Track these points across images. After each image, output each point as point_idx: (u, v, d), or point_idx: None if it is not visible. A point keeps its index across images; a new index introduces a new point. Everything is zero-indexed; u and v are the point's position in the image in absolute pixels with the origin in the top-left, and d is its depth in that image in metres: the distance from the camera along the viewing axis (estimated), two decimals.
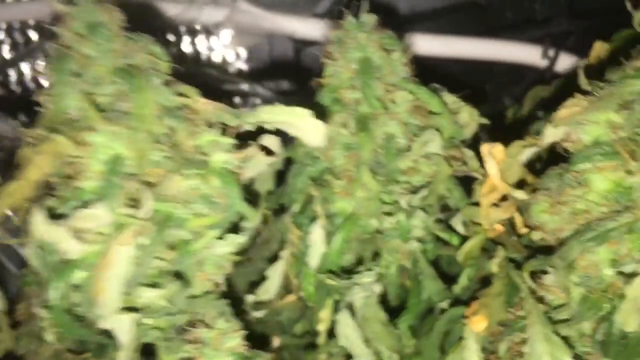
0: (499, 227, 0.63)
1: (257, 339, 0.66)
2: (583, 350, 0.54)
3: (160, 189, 0.48)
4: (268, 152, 0.58)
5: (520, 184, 0.63)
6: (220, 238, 0.54)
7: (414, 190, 0.61)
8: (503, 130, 0.80)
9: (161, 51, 0.52)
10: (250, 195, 0.61)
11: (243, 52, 1.13)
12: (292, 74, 1.04)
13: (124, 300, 0.50)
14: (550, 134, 0.53)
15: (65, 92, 0.48)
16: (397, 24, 0.99)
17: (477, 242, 0.62)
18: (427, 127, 0.61)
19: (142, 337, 0.51)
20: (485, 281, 0.62)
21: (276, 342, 0.77)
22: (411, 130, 0.61)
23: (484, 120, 0.66)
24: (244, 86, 1.04)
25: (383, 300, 0.67)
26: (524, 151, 0.56)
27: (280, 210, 0.64)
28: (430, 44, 0.96)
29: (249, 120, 0.52)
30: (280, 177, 0.66)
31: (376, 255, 0.63)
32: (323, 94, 0.62)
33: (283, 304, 0.75)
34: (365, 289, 0.58)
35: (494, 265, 0.62)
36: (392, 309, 0.67)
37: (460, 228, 0.65)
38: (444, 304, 0.64)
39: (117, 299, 0.47)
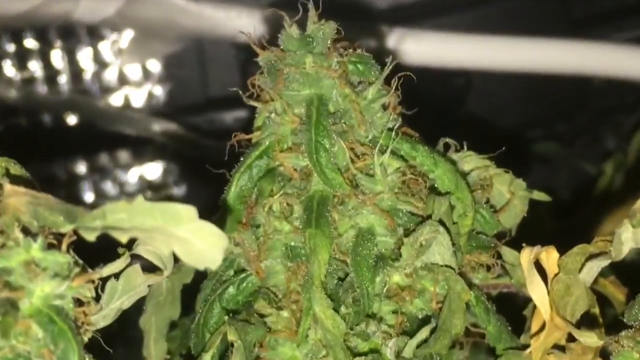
0: None
1: None
2: None
3: None
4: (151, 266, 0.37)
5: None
6: None
7: (411, 330, 0.38)
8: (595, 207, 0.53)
9: None
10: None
11: (155, 66, 0.82)
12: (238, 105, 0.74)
13: None
14: (630, 236, 0.32)
15: None
16: (396, 18, 0.64)
17: None
18: (428, 216, 0.37)
19: None
20: None
21: None
22: (401, 223, 0.38)
23: (541, 196, 0.42)
24: (157, 126, 0.74)
25: None
26: (589, 264, 0.34)
27: (190, 357, 0.42)
28: (464, 50, 0.60)
29: (90, 224, 0.32)
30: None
31: None
32: (248, 160, 0.39)
33: None
34: None
35: None
36: None
37: None
38: None
39: None
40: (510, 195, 0.40)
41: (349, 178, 0.37)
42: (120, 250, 0.36)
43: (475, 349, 0.41)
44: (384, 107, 0.38)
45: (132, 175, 0.82)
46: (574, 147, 0.64)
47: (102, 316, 0.36)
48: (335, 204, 0.37)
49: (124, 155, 0.80)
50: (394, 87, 0.38)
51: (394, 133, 0.38)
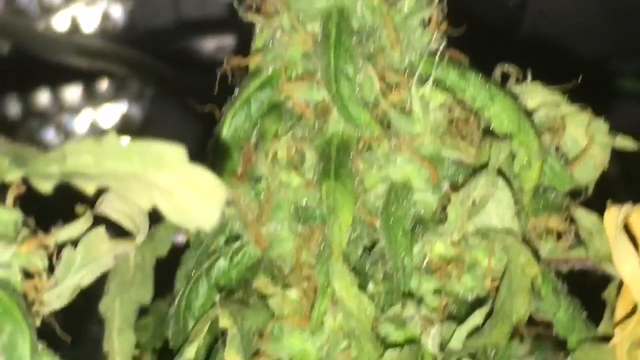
0: None
1: None
2: None
3: None
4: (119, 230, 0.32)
5: None
6: None
7: (460, 315, 0.32)
8: None
9: None
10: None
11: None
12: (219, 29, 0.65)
13: None
14: None
15: None
16: None
17: None
18: (483, 166, 0.32)
19: None
20: None
21: None
22: (447, 175, 0.32)
23: (627, 143, 0.36)
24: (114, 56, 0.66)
25: None
26: None
27: (167, 353, 0.36)
28: None
29: (45, 169, 0.27)
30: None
31: None
32: (245, 93, 0.34)
33: None
34: None
35: None
36: None
37: None
38: None
39: None
40: (588, 142, 0.34)
41: (379, 116, 0.31)
42: (80, 208, 0.32)
43: (540, 342, 0.35)
44: (425, 24, 0.32)
45: (82, 121, 0.74)
46: None
47: (56, 295, 0.31)
48: (360, 150, 0.31)
49: (70, 93, 0.72)
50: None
51: (437, 57, 0.31)
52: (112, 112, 0.73)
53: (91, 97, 0.72)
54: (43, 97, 0.71)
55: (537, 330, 0.34)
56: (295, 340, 0.32)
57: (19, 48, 0.66)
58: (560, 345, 0.33)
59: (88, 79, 0.69)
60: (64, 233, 0.31)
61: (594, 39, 0.54)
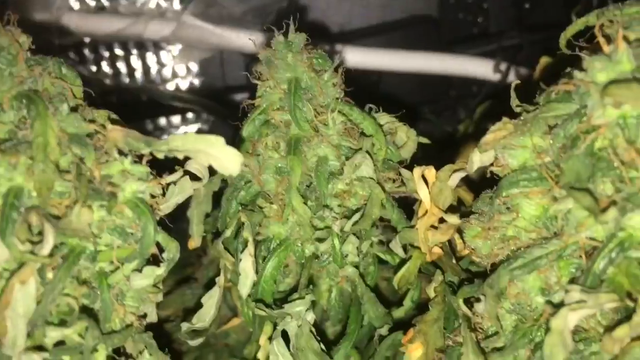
0: (438, 250, 0.62)
1: None
2: None
3: (66, 221, 0.45)
4: (195, 177, 0.56)
5: (460, 205, 0.62)
6: (139, 270, 0.51)
7: (349, 215, 0.59)
8: (455, 148, 0.78)
9: (73, 74, 0.49)
10: (181, 221, 0.60)
11: (194, 67, 1.11)
12: (244, 89, 1.02)
13: (34, 338, 0.47)
14: (478, 158, 0.51)
15: None
16: (342, 39, 0.99)
17: (411, 267, 0.61)
18: (360, 149, 0.58)
19: None
20: (426, 306, 0.60)
21: None
22: (343, 153, 0.59)
23: (424, 140, 0.64)
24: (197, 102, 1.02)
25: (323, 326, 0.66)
26: (453, 175, 0.54)
27: (218, 234, 0.62)
28: (380, 59, 0.95)
29: (160, 148, 0.49)
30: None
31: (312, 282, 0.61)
32: (253, 115, 0.60)
33: (230, 327, 0.73)
34: (297, 318, 0.56)
35: (431, 290, 0.60)
36: (336, 335, 0.66)
37: (400, 251, 0.64)
38: (384, 330, 0.62)
39: (22, 338, 0.45)
40: (407, 139, 0.62)
41: (313, 127, 0.58)
42: (177, 167, 0.54)
43: (386, 229, 0.64)
44: (334, 85, 0.60)
45: (180, 131, 1.10)
46: (442, 116, 0.96)
47: (167, 206, 0.54)
48: (305, 142, 0.58)
49: (176, 119, 1.09)
50: (339, 75, 0.60)
51: (339, 100, 0.59)
52: (193, 129, 1.09)
53: (183, 122, 1.09)
54: (160, 122, 1.05)
55: (384, 223, 0.62)
56: (275, 227, 0.59)
57: (150, 98, 1.01)
58: (395, 230, 0.63)
59: (181, 112, 1.05)
60: (170, 178, 0.53)
61: (411, 95, 0.94)
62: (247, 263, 0.55)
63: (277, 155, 0.59)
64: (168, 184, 0.53)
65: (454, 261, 0.62)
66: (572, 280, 0.46)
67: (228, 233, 0.59)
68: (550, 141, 0.48)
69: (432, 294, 0.59)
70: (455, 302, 0.57)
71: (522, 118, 0.50)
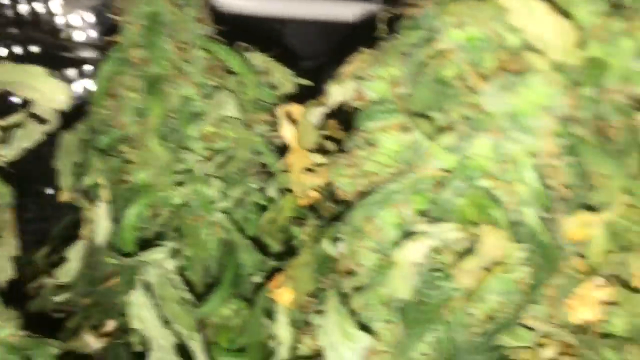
0: (313, 194, 0.60)
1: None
2: (385, 319, 0.51)
3: None
4: (41, 120, 0.51)
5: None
6: None
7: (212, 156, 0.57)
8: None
9: None
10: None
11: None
12: None
13: None
14: (337, 91, 0.49)
15: None
16: None
17: (284, 210, 0.59)
18: (224, 88, 0.56)
19: None
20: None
21: (110, 325, 0.73)
22: (206, 92, 0.57)
23: (303, 81, 0.62)
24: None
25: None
26: (314, 111, 0.52)
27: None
28: (242, 1, 0.91)
29: None
30: None
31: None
32: (111, 54, 0.57)
33: (110, 285, 0.71)
34: (158, 267, 0.54)
35: (302, 234, 0.58)
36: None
37: (276, 195, 0.62)
38: (258, 278, 0.60)
39: None
40: (282, 79, 0.60)
41: (176, 65, 0.56)
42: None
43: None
44: (198, 20, 0.57)
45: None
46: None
47: (9, 151, 0.50)
48: (166, 81, 0.55)
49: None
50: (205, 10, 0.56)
51: (203, 37, 0.57)
52: None
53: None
54: None
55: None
56: (138, 173, 0.56)
57: None
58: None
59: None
60: (10, 119, 0.50)
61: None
62: (100, 211, 0.53)
63: (137, 95, 0.56)
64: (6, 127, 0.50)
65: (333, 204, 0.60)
66: (424, 214, 0.45)
67: (87, 181, 0.57)
68: (404, 70, 0.46)
69: (303, 238, 0.58)
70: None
71: (380, 48, 0.48)
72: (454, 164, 0.43)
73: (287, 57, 0.62)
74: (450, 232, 0.41)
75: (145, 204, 0.56)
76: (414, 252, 0.41)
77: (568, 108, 0.37)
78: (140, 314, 0.54)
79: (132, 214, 0.56)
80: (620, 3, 0.40)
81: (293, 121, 0.56)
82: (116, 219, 0.57)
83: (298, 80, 0.61)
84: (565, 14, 0.37)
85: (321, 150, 0.57)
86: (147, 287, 0.56)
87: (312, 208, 0.60)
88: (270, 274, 0.61)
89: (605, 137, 0.41)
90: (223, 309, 0.65)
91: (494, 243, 0.40)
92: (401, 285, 0.41)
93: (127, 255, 0.54)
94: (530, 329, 0.51)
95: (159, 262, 0.54)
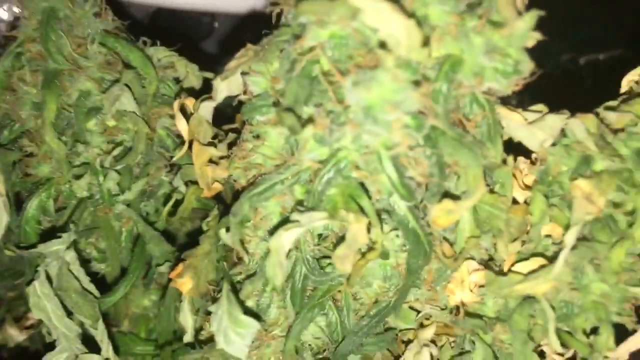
0: (217, 186, 0.61)
1: None
2: (280, 305, 0.53)
3: None
4: None
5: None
6: None
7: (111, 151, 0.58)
8: None
9: None
10: None
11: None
12: None
13: None
14: (223, 87, 0.50)
15: None
16: None
17: (189, 202, 0.60)
18: (120, 81, 0.57)
19: None
20: None
21: (33, 317, 0.74)
22: (105, 86, 0.57)
23: (208, 74, 0.63)
24: None
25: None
26: (202, 105, 0.53)
27: None
28: None
29: None
30: None
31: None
32: (10, 49, 0.57)
33: None
34: (57, 258, 0.55)
35: (204, 224, 0.60)
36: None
37: (183, 188, 0.63)
38: (164, 267, 0.62)
39: None
40: (187, 73, 0.61)
41: (72, 59, 0.56)
42: None
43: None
44: (95, 15, 0.57)
45: None
46: None
47: None
48: (65, 76, 0.56)
49: None
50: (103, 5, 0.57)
51: (102, 32, 0.57)
52: None
53: None
54: None
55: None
56: (39, 167, 0.56)
57: None
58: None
59: None
60: None
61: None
62: None
63: (35, 90, 0.56)
64: None
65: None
66: (301, 203, 0.47)
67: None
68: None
69: (205, 228, 0.59)
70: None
71: (263, 43, 0.50)
72: (325, 156, 0.45)
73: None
74: (320, 221, 0.43)
75: (46, 197, 0.57)
76: (286, 240, 0.43)
77: (418, 103, 0.39)
78: (40, 304, 0.55)
79: (32, 206, 0.56)
80: (475, 2, 0.42)
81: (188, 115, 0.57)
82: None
83: (205, 74, 0.62)
84: (412, 14, 0.39)
85: (223, 142, 0.59)
86: (48, 278, 0.57)
87: (218, 199, 0.62)
88: (175, 264, 0.63)
89: (462, 129, 0.44)
90: (143, 299, 0.67)
91: (359, 230, 0.42)
92: (277, 271, 0.43)
93: (30, 247, 0.55)
94: (417, 311, 0.54)
95: (58, 253, 0.54)
